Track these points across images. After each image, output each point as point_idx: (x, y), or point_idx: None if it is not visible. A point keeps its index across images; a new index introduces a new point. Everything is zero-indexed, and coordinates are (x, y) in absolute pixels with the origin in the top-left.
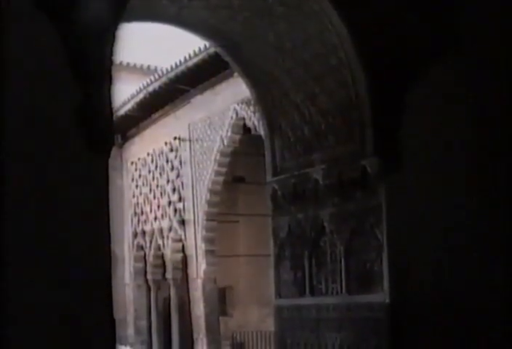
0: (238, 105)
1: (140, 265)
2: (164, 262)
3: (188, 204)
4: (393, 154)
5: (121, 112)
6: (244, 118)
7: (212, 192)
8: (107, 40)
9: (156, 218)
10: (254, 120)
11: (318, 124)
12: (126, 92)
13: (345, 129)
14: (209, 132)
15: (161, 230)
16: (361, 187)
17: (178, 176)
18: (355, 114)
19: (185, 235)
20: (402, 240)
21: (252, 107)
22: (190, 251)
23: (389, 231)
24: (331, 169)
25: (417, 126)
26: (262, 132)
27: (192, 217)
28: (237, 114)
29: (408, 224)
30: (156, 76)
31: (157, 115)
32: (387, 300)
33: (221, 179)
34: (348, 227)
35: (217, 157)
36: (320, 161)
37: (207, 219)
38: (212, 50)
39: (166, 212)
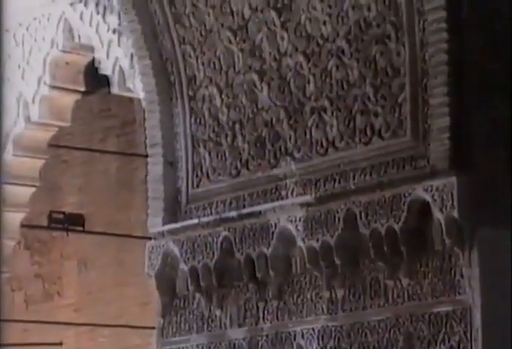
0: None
1: None
2: None
3: None
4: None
5: None
6: (94, 49)
7: None
8: None
9: None
10: (120, 55)
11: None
12: None
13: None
14: None
15: None
16: (411, 255)
17: None
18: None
19: None
20: None
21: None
22: None
23: None
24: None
25: None
26: (141, 93)
27: None
28: (70, 29)
29: None
30: None
31: None
32: None
33: (17, 217)
34: None
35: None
36: (303, 183)
37: None
38: None
39: None
